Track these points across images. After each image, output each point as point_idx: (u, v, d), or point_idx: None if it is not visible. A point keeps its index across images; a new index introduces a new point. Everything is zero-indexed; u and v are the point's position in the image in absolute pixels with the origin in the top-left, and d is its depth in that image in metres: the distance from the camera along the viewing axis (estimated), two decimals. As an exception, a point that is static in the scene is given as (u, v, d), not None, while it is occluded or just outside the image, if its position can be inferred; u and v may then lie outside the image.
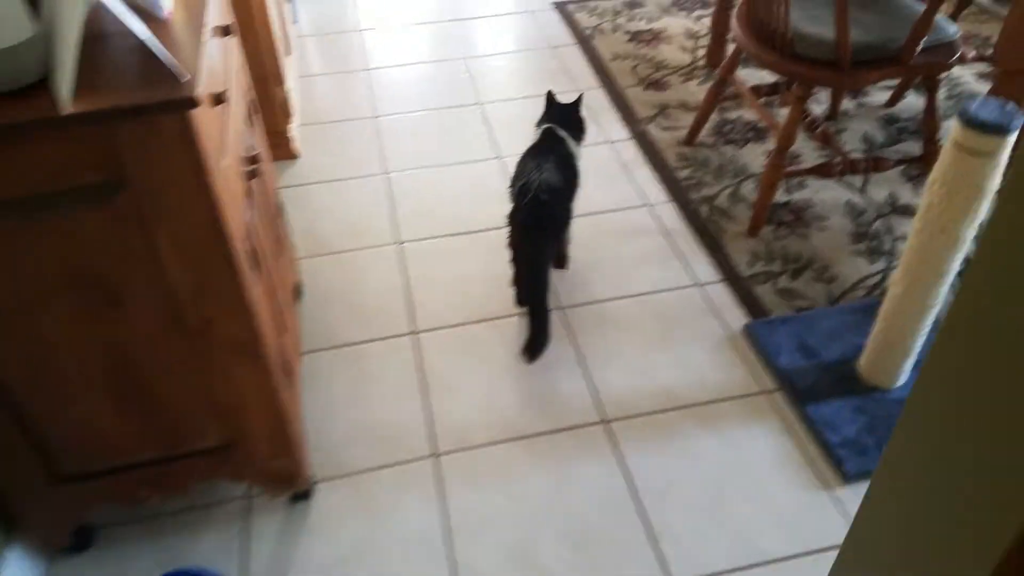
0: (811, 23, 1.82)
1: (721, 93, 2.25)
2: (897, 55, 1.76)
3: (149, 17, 1.05)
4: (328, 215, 2.18)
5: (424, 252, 2.04)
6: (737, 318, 1.81)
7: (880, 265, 1.92)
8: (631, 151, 2.36)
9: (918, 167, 2.12)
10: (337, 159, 2.40)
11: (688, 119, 2.48)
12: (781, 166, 1.94)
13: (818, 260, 1.95)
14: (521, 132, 2.46)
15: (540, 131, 1.84)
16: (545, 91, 1.91)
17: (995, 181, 1.26)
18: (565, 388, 1.67)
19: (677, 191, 2.20)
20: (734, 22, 2.04)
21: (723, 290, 1.89)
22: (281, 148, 2.36)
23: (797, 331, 1.72)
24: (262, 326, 1.20)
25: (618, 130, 2.47)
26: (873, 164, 1.96)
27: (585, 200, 2.09)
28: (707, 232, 2.06)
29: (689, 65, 2.79)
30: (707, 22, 3.04)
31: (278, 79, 2.27)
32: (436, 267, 2.00)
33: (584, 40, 2.98)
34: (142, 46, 0.98)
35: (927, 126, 1.91)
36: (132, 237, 1.01)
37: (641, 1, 3.24)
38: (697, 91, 2.63)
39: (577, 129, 1.88)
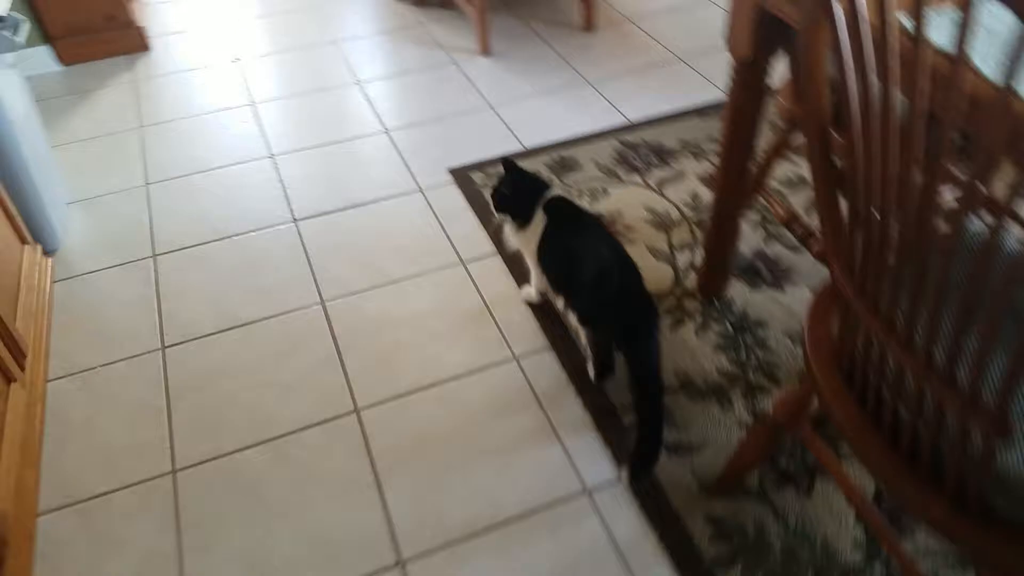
0: None
1: (777, 441, 1.33)
2: None
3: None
4: None
5: None
6: None
7: None
8: (623, 524, 1.39)
9: None
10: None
11: (698, 417, 1.54)
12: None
13: None
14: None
15: (546, 206, 1.61)
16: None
17: None
18: None
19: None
20: (809, 359, 1.10)
21: None
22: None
23: None
24: None
25: (597, 469, 1.47)
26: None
27: None
28: None
29: (672, 290, 1.86)
30: (675, 194, 2.13)
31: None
32: None
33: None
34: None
35: None
36: None
37: (573, 159, 2.29)
38: (698, 345, 1.71)
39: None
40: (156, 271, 1.94)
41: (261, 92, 2.64)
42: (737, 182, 1.60)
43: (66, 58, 2.83)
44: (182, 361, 1.71)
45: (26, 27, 1.85)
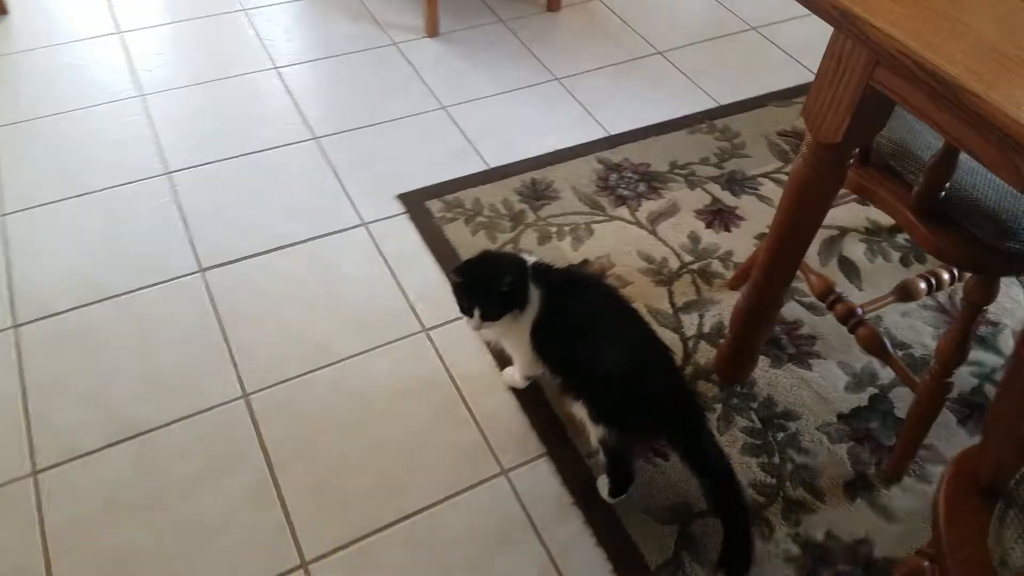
0: None
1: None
2: None
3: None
4: None
5: None
6: None
7: None
8: None
9: None
10: None
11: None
12: None
13: None
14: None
15: (537, 281, 1.27)
16: None
17: None
18: None
19: None
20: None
21: None
22: None
23: None
24: None
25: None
26: None
27: None
28: None
29: (682, 367, 1.54)
30: (671, 234, 1.78)
31: None
32: None
33: (480, 312, 1.62)
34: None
35: None
36: None
37: (548, 185, 1.91)
38: (723, 446, 1.41)
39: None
40: (19, 350, 1.46)
41: (153, 78, 2.10)
42: (786, 272, 1.28)
43: None
44: (60, 491, 1.27)
45: None
